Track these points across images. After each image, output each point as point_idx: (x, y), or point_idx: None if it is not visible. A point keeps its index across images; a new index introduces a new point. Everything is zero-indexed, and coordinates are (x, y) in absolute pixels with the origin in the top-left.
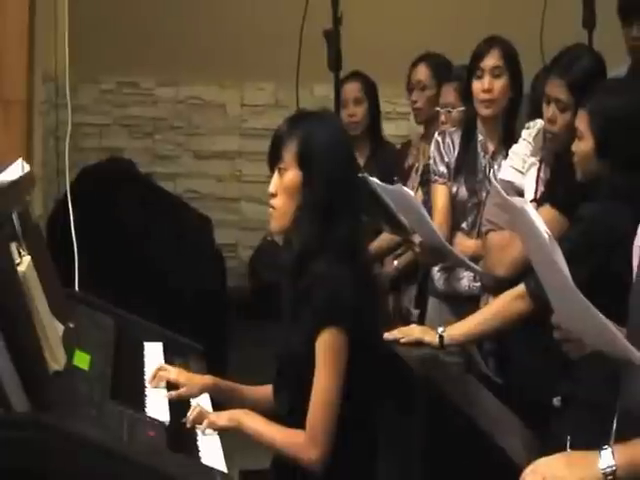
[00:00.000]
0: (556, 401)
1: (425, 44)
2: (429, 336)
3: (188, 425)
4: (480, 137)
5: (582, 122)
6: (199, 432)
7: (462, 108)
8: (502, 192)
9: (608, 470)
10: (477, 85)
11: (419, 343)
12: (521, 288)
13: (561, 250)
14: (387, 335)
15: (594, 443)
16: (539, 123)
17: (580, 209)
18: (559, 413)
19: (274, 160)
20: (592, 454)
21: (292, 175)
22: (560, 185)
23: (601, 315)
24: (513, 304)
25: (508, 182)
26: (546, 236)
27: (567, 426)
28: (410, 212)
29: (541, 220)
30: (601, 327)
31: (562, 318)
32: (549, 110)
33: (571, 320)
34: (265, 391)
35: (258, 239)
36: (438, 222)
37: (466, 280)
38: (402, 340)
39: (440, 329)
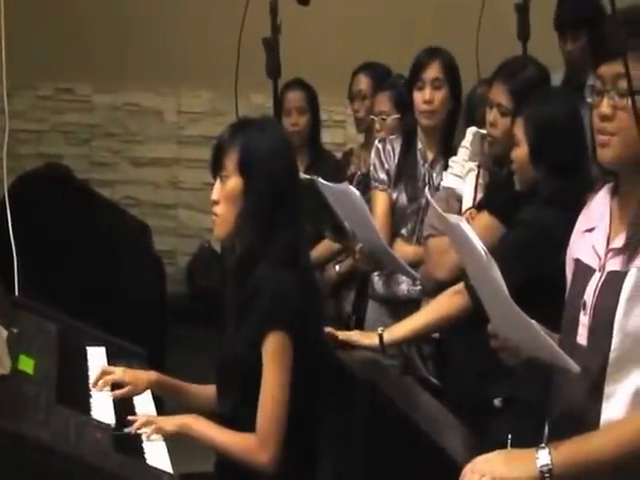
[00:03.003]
0: (497, 402)
1: (362, 53)
2: (369, 339)
3: (133, 432)
4: (420, 145)
5: (518, 129)
6: (144, 435)
7: (396, 116)
8: (437, 207)
9: (545, 468)
10: (418, 96)
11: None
12: (460, 285)
13: (499, 253)
14: (330, 330)
15: (533, 443)
16: (474, 129)
17: (519, 214)
18: (499, 413)
19: (216, 168)
20: (530, 452)
21: (233, 183)
22: (498, 191)
23: (538, 327)
24: (452, 300)
25: (450, 189)
26: (482, 252)
27: (507, 426)
28: (353, 213)
29: (477, 237)
30: (538, 338)
31: (499, 328)
32: (491, 114)
33: (508, 330)
34: (209, 390)
35: (195, 246)
36: (378, 228)
37: (405, 284)
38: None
39: (380, 329)
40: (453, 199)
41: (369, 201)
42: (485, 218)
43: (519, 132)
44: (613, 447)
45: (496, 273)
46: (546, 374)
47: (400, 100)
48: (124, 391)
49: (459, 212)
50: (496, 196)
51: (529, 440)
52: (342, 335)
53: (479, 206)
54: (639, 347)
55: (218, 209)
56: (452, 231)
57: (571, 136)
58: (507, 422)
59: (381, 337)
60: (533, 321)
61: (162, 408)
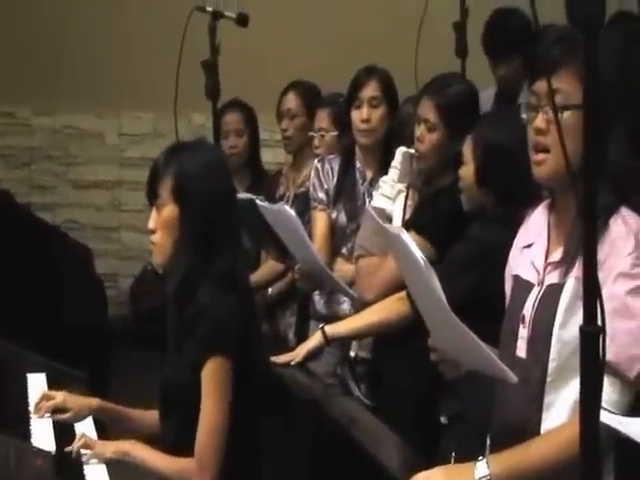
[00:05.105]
0: (443, 419)
1: (302, 71)
2: (313, 340)
3: (73, 455)
4: (358, 164)
5: (467, 148)
6: (85, 460)
7: (335, 133)
8: (377, 219)
9: (484, 479)
10: (356, 115)
11: (308, 359)
12: (403, 292)
13: (444, 266)
14: (275, 359)
15: (476, 457)
16: (403, 148)
17: (468, 230)
18: (446, 430)
19: (152, 196)
20: (468, 465)
21: (169, 210)
22: (425, 211)
23: (476, 338)
24: (394, 304)
25: (380, 209)
26: (422, 262)
27: (453, 442)
28: (291, 233)
29: (416, 246)
30: (477, 349)
31: (438, 340)
32: (418, 130)
33: (447, 342)
34: (152, 415)
35: (138, 268)
36: (318, 247)
37: (347, 304)
38: (292, 362)
39: (320, 324)
40: (383, 218)
41: (309, 221)
42: (412, 238)
43: (467, 151)
44: (552, 453)
45: (435, 283)
46: (489, 389)
47: (339, 117)
48: (65, 416)
49: None
50: (423, 215)
51: (472, 455)
52: (292, 359)
53: (406, 226)
54: (577, 356)
55: (155, 237)
56: (392, 242)
57: (518, 164)
58: (453, 438)
59: (324, 331)
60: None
61: (105, 433)
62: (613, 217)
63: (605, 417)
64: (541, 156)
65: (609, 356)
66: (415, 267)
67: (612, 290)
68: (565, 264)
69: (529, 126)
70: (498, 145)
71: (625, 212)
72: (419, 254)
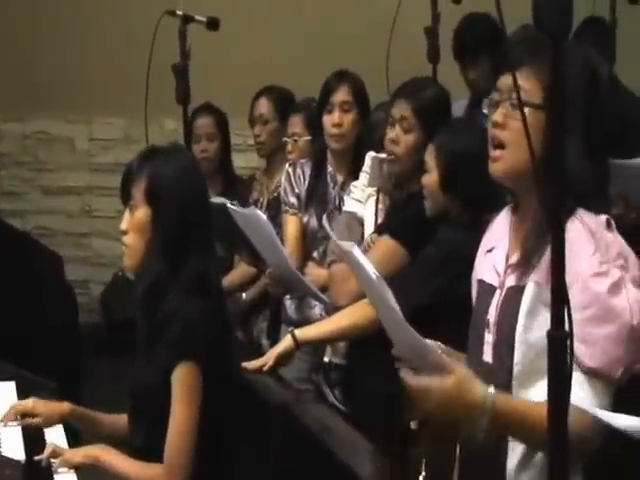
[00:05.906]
0: (413, 424)
1: (274, 76)
2: (283, 344)
3: (43, 463)
4: (330, 169)
5: (430, 155)
6: (54, 469)
7: (308, 138)
8: (333, 236)
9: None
10: (327, 119)
11: (279, 364)
12: None
13: (412, 270)
14: (246, 364)
15: (449, 462)
16: (372, 153)
17: (436, 234)
18: (416, 435)
19: (125, 198)
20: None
21: (142, 212)
22: (398, 215)
23: (433, 347)
24: (364, 309)
25: (351, 213)
26: (374, 277)
27: (423, 447)
28: (262, 237)
29: (368, 262)
30: (431, 359)
31: (400, 350)
32: (393, 131)
33: (408, 352)
34: (124, 419)
35: (110, 275)
36: (289, 252)
37: (318, 308)
38: (265, 368)
39: (290, 328)
40: (355, 223)
41: (281, 225)
42: (386, 242)
43: (430, 159)
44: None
45: (389, 296)
46: None
47: (312, 122)
48: (35, 420)
49: (362, 236)
50: (396, 219)
51: (445, 459)
52: (263, 364)
53: (379, 230)
54: (541, 359)
55: (127, 239)
56: (347, 257)
57: (482, 168)
58: (424, 444)
59: (293, 335)
60: (429, 340)
61: (78, 442)
62: (570, 218)
63: (584, 405)
64: (497, 152)
65: (594, 364)
66: (368, 282)
67: (591, 293)
68: (523, 266)
69: (489, 121)
70: (461, 151)
71: (581, 212)
72: (371, 269)
